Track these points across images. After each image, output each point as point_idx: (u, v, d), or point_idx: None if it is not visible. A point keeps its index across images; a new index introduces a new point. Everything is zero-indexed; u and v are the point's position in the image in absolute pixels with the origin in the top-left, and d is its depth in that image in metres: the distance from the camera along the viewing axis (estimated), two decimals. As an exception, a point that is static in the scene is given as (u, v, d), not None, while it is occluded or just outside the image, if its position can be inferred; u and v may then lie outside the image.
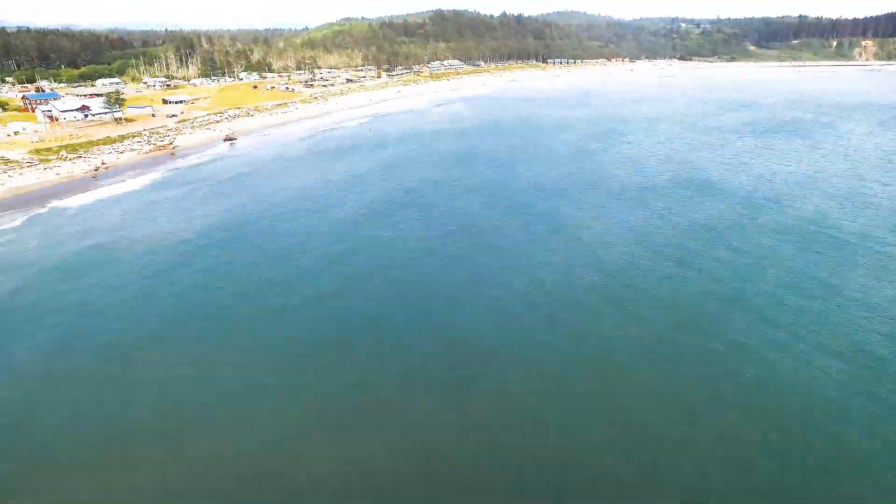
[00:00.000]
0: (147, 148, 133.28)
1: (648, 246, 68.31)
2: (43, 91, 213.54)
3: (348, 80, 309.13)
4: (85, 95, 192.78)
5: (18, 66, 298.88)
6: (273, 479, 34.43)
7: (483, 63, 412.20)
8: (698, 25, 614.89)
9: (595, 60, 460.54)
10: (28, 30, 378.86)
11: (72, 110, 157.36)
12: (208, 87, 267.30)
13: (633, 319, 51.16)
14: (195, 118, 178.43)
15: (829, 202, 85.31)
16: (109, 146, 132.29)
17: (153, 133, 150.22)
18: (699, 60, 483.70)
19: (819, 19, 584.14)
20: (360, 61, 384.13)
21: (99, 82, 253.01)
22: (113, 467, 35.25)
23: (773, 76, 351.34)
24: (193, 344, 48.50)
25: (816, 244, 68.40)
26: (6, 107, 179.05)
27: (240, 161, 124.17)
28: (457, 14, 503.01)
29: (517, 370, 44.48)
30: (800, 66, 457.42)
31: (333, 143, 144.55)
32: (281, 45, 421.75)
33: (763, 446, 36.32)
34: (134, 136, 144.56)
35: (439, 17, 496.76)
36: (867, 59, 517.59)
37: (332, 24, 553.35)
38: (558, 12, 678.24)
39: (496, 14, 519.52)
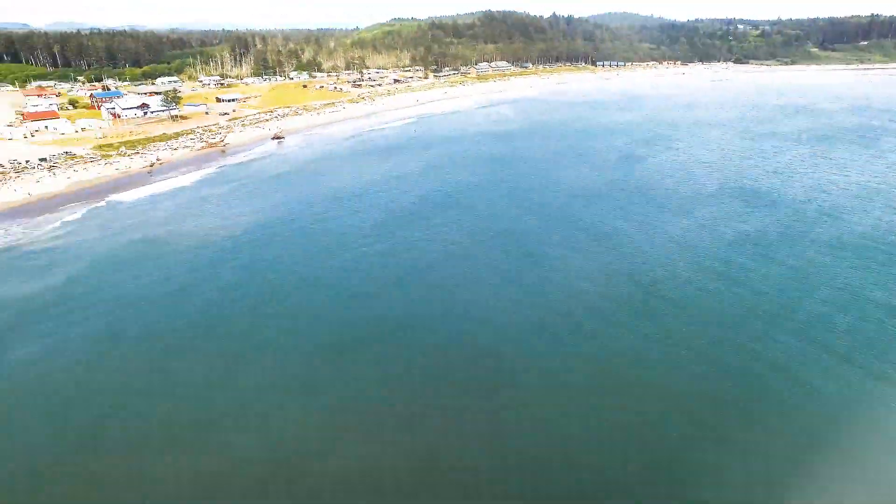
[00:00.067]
0: (199, 145, 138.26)
1: (690, 258, 66.20)
2: (108, 89, 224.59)
3: (395, 81, 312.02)
4: (145, 93, 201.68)
5: (89, 66, 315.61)
6: (297, 473, 35.17)
7: (531, 65, 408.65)
8: (757, 27, 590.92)
9: (646, 63, 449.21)
10: (99, 31, 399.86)
11: (132, 108, 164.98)
12: (260, 85, 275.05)
13: (670, 335, 49.70)
14: (246, 116, 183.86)
15: (893, 217, 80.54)
16: (164, 143, 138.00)
17: (206, 130, 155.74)
18: (756, 64, 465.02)
19: (893, 18, 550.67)
20: (407, 62, 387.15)
21: (159, 81, 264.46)
22: (150, 453, 36.77)
23: (836, 80, 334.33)
24: (230, 339, 50.08)
25: (875, 262, 64.75)
26: (76, 104, 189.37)
27: (286, 159, 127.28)
28: (506, 15, 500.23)
29: (545, 380, 43.94)
30: (867, 68, 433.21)
31: (378, 143, 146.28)
32: (331, 44, 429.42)
33: (796, 473, 34.65)
34: (188, 134, 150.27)
35: (489, 17, 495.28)
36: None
37: (381, 25, 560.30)
38: (609, 13, 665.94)
39: (546, 15, 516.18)
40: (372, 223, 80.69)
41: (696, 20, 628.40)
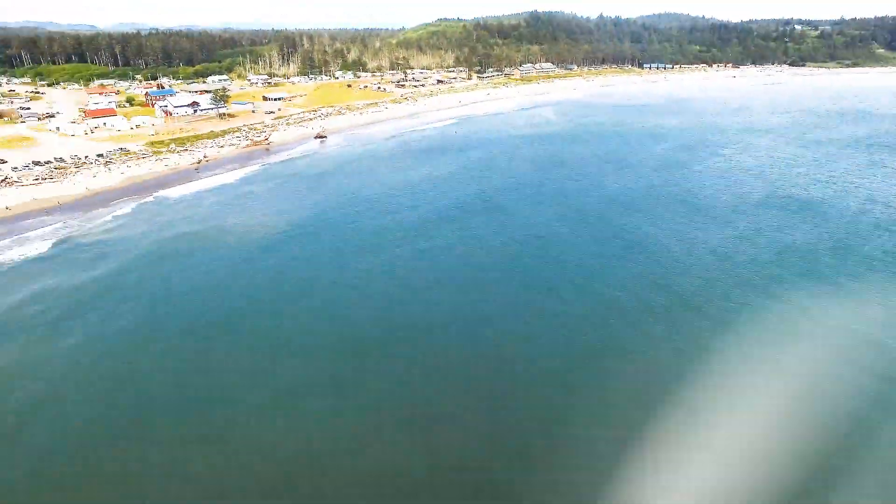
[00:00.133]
0: (244, 143, 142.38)
1: (730, 271, 63.95)
2: (162, 88, 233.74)
3: (439, 82, 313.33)
4: (196, 92, 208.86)
5: (146, 65, 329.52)
6: (321, 471, 35.84)
7: (576, 67, 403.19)
8: (816, 27, 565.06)
9: (695, 66, 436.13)
10: (157, 31, 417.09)
11: (183, 106, 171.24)
12: (306, 84, 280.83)
13: (704, 354, 48.10)
14: (290, 115, 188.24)
15: (955, 233, 75.82)
16: (212, 140, 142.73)
17: (251, 129, 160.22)
18: (813, 66, 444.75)
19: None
20: (451, 62, 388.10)
21: (210, 79, 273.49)
22: (180, 444, 38.16)
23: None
24: (262, 335, 51.46)
25: (932, 280, 61.10)
26: (132, 102, 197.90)
27: (327, 158, 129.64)
28: (552, 16, 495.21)
29: (569, 393, 43.32)
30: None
31: (419, 144, 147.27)
32: (377, 44, 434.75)
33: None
34: (234, 132, 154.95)
35: (534, 18, 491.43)
36: None
37: (427, 25, 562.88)
38: (658, 14, 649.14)
39: (593, 16, 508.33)
40: (408, 225, 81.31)
41: (750, 21, 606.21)
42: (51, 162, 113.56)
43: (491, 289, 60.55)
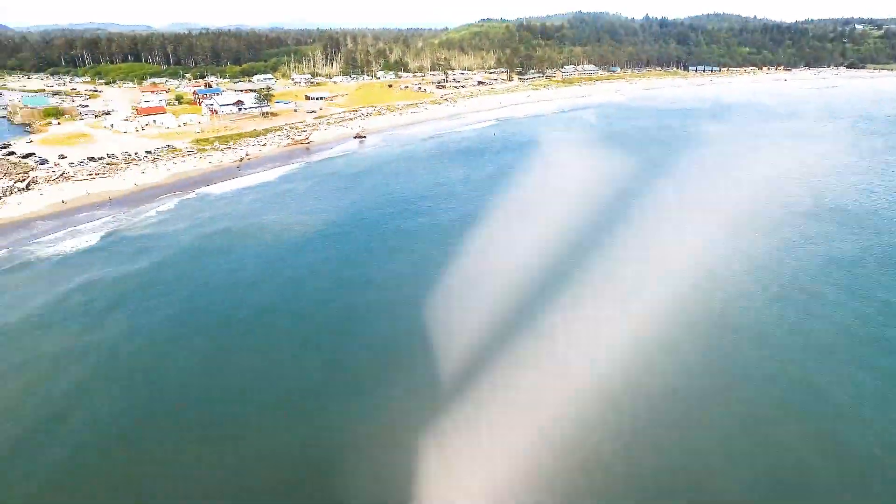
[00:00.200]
0: (285, 142, 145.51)
1: (769, 283, 61.65)
2: (210, 87, 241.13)
3: (479, 83, 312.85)
4: (241, 90, 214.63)
5: (196, 64, 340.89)
6: (335, 470, 36.40)
7: (619, 69, 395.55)
8: (880, 26, 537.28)
9: (743, 68, 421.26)
10: (207, 31, 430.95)
11: (228, 104, 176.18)
12: (347, 84, 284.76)
13: (734, 373, 46.61)
14: (331, 115, 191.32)
15: None
16: (254, 139, 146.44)
17: (293, 128, 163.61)
18: (874, 68, 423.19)
19: None
20: (493, 63, 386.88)
21: (255, 78, 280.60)
22: (211, 436, 39.39)
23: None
24: (290, 333, 52.69)
25: None
26: (181, 100, 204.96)
27: (365, 159, 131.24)
28: (596, 17, 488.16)
29: (601, 403, 42.61)
30: None
31: (457, 145, 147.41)
32: (419, 44, 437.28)
33: None
34: (276, 130, 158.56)
35: (578, 19, 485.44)
36: None
37: (470, 26, 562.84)
38: (707, 14, 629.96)
39: (638, 17, 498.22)
40: (441, 226, 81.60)
41: (806, 21, 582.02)
42: (104, 158, 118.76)
43: (512, 294, 59.98)
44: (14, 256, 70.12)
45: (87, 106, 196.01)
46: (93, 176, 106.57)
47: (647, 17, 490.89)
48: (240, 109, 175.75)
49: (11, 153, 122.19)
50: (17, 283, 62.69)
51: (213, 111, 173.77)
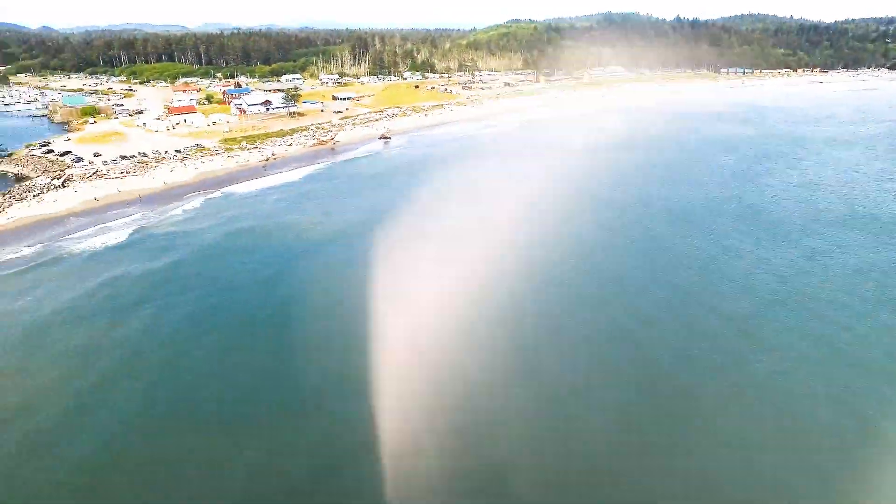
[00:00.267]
0: (311, 142, 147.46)
1: (792, 296, 60.04)
2: (240, 86, 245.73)
3: (506, 84, 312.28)
4: (270, 90, 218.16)
5: (227, 64, 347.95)
6: (342, 469, 36.89)
7: (648, 71, 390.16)
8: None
9: (777, 70, 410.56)
10: (238, 31, 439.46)
11: (256, 104, 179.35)
12: (374, 85, 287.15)
13: (747, 384, 45.64)
14: (357, 115, 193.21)
15: None
16: (281, 139, 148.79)
17: (319, 128, 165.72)
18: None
19: None
20: (520, 65, 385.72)
21: (284, 78, 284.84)
22: (226, 434, 40.29)
23: None
24: (305, 333, 53.36)
25: None
26: (211, 99, 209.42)
27: (389, 160, 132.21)
28: (626, 18, 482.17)
29: (608, 422, 42.29)
30: None
31: (480, 147, 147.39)
32: (447, 45, 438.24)
33: None
34: (302, 130, 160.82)
35: (607, 20, 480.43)
36: None
37: (498, 26, 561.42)
38: (742, 15, 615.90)
39: (670, 18, 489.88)
40: (461, 228, 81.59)
41: (846, 21, 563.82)
42: (135, 156, 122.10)
43: (526, 299, 59.80)
44: (47, 252, 72.69)
45: (121, 105, 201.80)
46: (124, 174, 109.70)
47: (677, 18, 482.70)
48: (267, 109, 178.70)
49: (50, 151, 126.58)
50: (49, 277, 64.96)
51: (242, 111, 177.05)
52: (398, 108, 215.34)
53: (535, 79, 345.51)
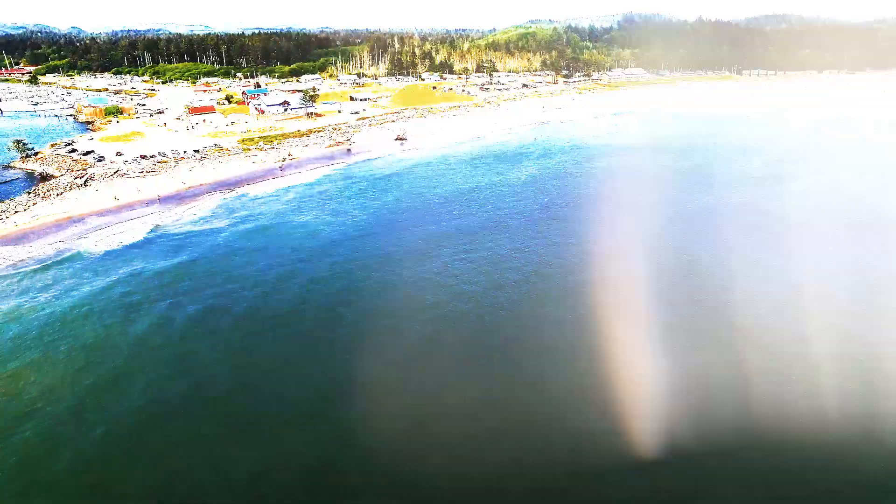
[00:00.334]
0: (328, 143, 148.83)
1: (804, 305, 59.21)
2: (259, 87, 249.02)
3: (524, 86, 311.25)
4: (288, 91, 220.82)
5: (247, 64, 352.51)
6: (343, 472, 37.47)
7: (668, 72, 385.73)
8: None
9: (802, 71, 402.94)
10: (259, 32, 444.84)
11: (275, 104, 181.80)
12: (392, 86, 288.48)
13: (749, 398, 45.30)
14: (374, 116, 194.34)
15: None
16: (297, 139, 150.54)
17: (335, 129, 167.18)
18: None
19: None
20: (538, 66, 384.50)
21: (303, 78, 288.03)
22: (228, 430, 41.20)
23: None
24: (313, 331, 54.43)
25: None
26: (231, 100, 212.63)
27: (404, 161, 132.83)
28: (647, 19, 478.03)
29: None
30: None
31: (495, 150, 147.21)
32: (465, 46, 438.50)
33: None
34: (319, 131, 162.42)
35: (628, 21, 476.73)
36: None
37: (517, 27, 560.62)
38: (766, 15, 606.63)
39: (692, 19, 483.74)
40: (469, 230, 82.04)
41: (876, 21, 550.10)
42: (155, 156, 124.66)
43: (536, 306, 59.93)
44: (67, 249, 74.74)
45: (143, 105, 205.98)
46: (144, 174, 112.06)
47: (699, 19, 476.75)
48: (285, 110, 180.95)
49: (74, 150, 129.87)
50: (67, 274, 66.82)
51: (260, 111, 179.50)
52: (415, 109, 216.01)
53: (554, 80, 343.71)
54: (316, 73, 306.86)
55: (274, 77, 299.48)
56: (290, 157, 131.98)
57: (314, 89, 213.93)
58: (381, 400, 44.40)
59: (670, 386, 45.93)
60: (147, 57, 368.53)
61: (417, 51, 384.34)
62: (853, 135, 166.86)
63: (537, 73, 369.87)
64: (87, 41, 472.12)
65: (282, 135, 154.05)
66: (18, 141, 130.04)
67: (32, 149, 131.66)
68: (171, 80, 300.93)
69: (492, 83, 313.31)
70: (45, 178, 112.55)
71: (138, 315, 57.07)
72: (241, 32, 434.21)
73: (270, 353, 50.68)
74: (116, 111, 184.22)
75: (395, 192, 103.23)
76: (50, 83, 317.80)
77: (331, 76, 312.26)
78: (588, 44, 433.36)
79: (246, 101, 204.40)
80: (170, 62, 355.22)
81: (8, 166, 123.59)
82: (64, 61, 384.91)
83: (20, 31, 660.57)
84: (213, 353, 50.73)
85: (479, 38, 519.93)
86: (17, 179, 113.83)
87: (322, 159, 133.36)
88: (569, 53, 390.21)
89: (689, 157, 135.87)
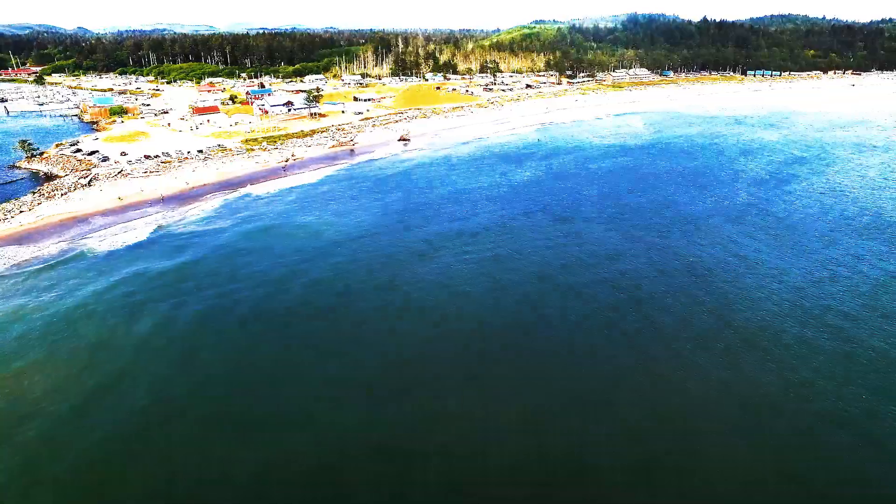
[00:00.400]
0: (331, 143, 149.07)
1: (806, 309, 59.06)
2: (263, 87, 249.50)
3: (527, 86, 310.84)
4: (292, 91, 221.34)
5: (252, 64, 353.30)
6: (343, 469, 37.64)
7: (672, 73, 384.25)
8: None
9: (807, 73, 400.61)
10: (263, 32, 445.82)
11: (278, 105, 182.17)
12: (396, 86, 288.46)
13: (755, 403, 45.22)
14: (378, 116, 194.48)
15: None
16: (301, 140, 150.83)
17: (339, 129, 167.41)
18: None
19: None
20: (542, 66, 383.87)
21: (307, 78, 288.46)
22: (231, 427, 41.41)
23: None
24: (313, 330, 54.73)
25: None
26: (235, 100, 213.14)
27: (406, 162, 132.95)
28: (651, 19, 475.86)
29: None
30: None
31: (498, 150, 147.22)
32: (469, 46, 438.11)
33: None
34: (322, 131, 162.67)
35: (632, 21, 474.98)
36: None
37: (521, 27, 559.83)
38: (771, 15, 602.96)
39: (696, 19, 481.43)
40: (472, 231, 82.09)
41: (882, 20, 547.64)
42: (159, 156, 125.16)
43: (536, 307, 59.93)
44: (71, 249, 75.17)
45: (148, 105, 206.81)
46: (148, 174, 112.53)
47: (704, 19, 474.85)
48: (289, 110, 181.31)
49: (78, 150, 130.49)
50: (71, 274, 67.19)
51: (264, 111, 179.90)
52: (418, 109, 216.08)
53: (557, 80, 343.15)
54: (320, 74, 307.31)
55: (278, 77, 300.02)
56: (294, 158, 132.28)
57: (318, 89, 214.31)
58: (383, 400, 44.58)
59: (670, 386, 46.02)
60: (152, 57, 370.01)
61: (421, 51, 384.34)
62: (859, 136, 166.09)
63: (541, 73, 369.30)
64: (93, 41, 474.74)
65: (285, 135, 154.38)
66: (24, 141, 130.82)
67: (38, 149, 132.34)
68: (175, 81, 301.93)
69: (495, 84, 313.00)
70: (49, 178, 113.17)
71: (141, 315, 57.39)
72: (245, 32, 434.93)
73: (273, 354, 50.97)
74: (121, 111, 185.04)
75: (398, 193, 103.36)
76: (56, 83, 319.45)
77: (335, 76, 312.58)
78: (592, 44, 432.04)
79: (250, 101, 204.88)
80: (174, 62, 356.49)
81: (13, 166, 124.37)
82: (69, 61, 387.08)
83: (27, 32, 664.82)
84: (215, 354, 51.03)
85: (483, 39, 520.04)
86: (22, 179, 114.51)
87: (325, 160, 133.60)
88: (573, 54, 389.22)
89: (695, 158, 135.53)
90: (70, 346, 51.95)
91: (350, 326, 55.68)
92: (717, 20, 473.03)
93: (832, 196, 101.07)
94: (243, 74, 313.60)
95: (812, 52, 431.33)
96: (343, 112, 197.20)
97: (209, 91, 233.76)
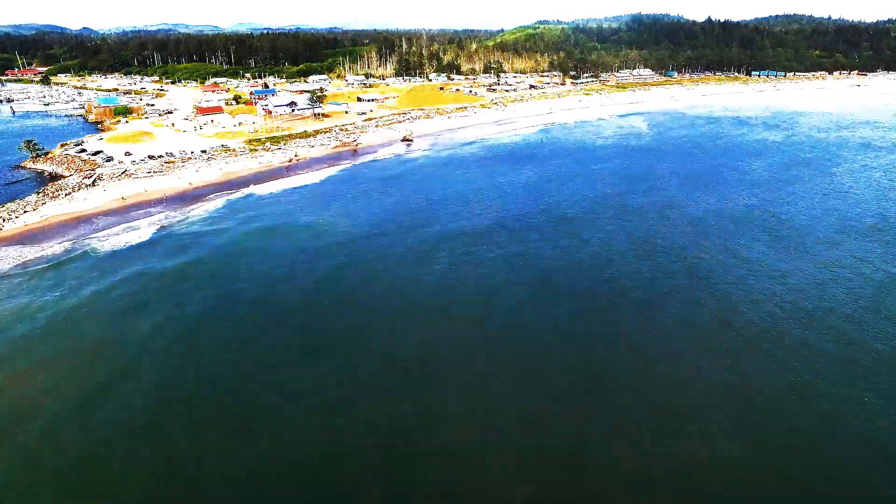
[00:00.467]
0: (334, 143, 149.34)
1: (810, 312, 58.87)
2: (267, 87, 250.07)
3: (531, 87, 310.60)
4: (296, 91, 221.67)
5: (256, 64, 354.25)
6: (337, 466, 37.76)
7: (676, 74, 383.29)
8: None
9: (811, 74, 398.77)
10: (268, 32, 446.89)
11: (282, 105, 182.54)
12: (399, 86, 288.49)
13: (756, 407, 45.14)
14: (381, 117, 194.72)
15: None
16: (304, 140, 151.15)
17: (342, 129, 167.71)
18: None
19: None
20: (546, 67, 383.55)
21: (311, 78, 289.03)
22: (232, 425, 41.58)
23: None
24: (315, 331, 54.93)
25: None
26: (239, 100, 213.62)
27: (409, 162, 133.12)
28: (655, 20, 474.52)
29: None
30: None
31: (501, 151, 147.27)
32: (473, 47, 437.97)
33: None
34: (326, 132, 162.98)
35: (636, 21, 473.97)
36: None
37: (525, 28, 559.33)
38: (776, 15, 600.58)
39: (701, 19, 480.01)
40: (474, 231, 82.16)
41: (890, 20, 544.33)
42: (162, 157, 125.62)
43: (538, 308, 59.95)
44: (74, 248, 75.60)
45: (152, 105, 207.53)
46: (151, 174, 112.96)
47: (709, 20, 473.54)
48: (293, 110, 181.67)
49: (83, 150, 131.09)
50: (75, 273, 67.57)
51: (268, 111, 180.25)
52: (421, 109, 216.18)
53: (561, 81, 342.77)
54: (324, 74, 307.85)
55: (282, 77, 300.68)
56: (297, 158, 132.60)
57: (321, 90, 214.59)
58: (383, 400, 44.69)
59: (671, 387, 45.97)
60: (156, 57, 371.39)
61: (425, 51, 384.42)
62: (864, 137, 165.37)
63: (545, 73, 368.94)
64: (98, 41, 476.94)
65: (289, 135, 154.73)
66: (29, 141, 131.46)
67: (42, 149, 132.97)
68: (179, 81, 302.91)
69: (499, 84, 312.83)
70: (54, 177, 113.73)
71: (144, 314, 57.69)
72: (249, 33, 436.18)
73: (275, 354, 51.15)
74: (125, 111, 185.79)
75: (401, 194, 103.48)
76: (61, 83, 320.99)
77: (338, 76, 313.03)
78: (596, 44, 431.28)
79: (254, 101, 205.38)
80: (179, 62, 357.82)
81: (18, 166, 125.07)
82: (75, 62, 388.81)
83: (32, 33, 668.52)
84: (217, 353, 51.27)
85: (487, 39, 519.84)
86: (27, 179, 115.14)
87: (328, 160, 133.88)
88: (577, 54, 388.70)
89: (698, 160, 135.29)
90: (73, 345, 52.28)
91: (352, 326, 55.85)
92: (722, 20, 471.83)
93: (836, 197, 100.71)
94: (247, 75, 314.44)
95: (817, 52, 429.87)
96: (346, 112, 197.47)
97: (213, 91, 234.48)
